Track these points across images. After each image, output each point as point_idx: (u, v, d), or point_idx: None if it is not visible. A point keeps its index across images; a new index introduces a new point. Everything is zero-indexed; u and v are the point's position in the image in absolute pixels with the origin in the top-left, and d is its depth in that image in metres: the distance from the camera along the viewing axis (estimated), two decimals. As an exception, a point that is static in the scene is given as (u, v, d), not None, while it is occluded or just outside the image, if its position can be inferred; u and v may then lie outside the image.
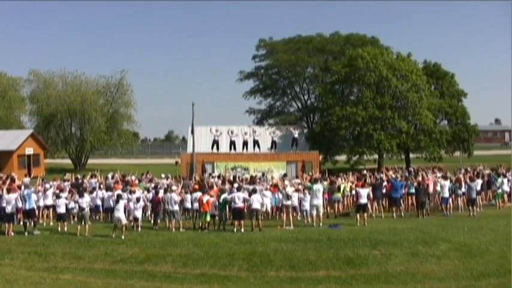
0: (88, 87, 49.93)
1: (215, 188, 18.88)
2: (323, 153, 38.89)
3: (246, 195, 17.08)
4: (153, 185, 20.60)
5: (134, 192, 17.71)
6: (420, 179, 20.94)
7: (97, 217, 19.22)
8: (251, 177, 23.86)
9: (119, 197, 16.08)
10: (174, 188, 18.37)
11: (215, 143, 34.12)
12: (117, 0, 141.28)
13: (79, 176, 24.34)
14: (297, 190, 18.72)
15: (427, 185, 20.29)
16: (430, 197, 20.46)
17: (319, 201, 17.56)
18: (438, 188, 20.57)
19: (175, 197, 17.19)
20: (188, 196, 17.68)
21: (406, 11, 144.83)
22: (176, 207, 16.99)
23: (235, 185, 18.09)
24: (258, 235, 15.16)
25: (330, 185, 20.55)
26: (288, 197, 17.60)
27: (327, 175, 23.66)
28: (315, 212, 17.47)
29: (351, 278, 11.48)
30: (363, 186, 18.69)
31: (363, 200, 17.72)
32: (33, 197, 16.60)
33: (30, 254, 13.38)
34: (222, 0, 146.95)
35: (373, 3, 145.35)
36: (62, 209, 16.78)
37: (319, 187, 17.85)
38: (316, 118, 48.07)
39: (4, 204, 15.96)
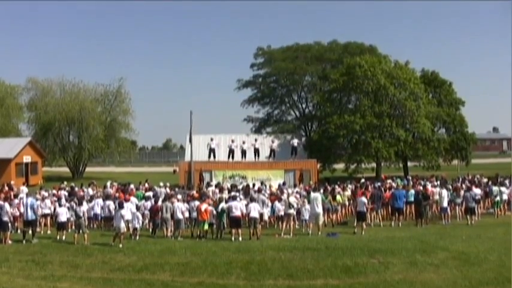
0: (86, 95, 49.83)
1: (211, 196, 18.94)
2: (321, 161, 38.88)
3: (242, 204, 17.16)
4: (151, 194, 20.60)
5: (128, 200, 17.66)
6: (421, 187, 21.08)
7: (94, 226, 19.20)
8: (247, 186, 23.88)
9: (120, 205, 16.04)
10: (179, 197, 18.41)
11: (211, 151, 34.14)
12: (116, 8, 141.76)
13: (73, 184, 24.36)
14: (296, 199, 18.80)
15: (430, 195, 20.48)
16: (428, 206, 20.52)
17: (318, 210, 17.58)
18: (437, 197, 20.62)
19: (182, 206, 17.21)
20: (186, 205, 17.71)
21: (404, 20, 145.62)
22: (181, 216, 17.02)
23: (232, 194, 18.15)
24: (256, 244, 15.16)
25: (323, 193, 20.59)
26: (291, 205, 17.65)
27: (326, 184, 23.68)
28: (314, 221, 17.50)
29: (349, 286, 11.46)
30: (362, 194, 18.79)
31: (361, 208, 17.80)
32: (36, 207, 16.63)
33: (27, 262, 13.34)
34: (220, 8, 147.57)
35: (371, 11, 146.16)
36: (63, 218, 16.72)
37: (316, 196, 17.88)
38: (314, 126, 48.02)
39: (1, 213, 15.94)
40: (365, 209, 17.96)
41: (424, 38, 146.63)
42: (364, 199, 18.14)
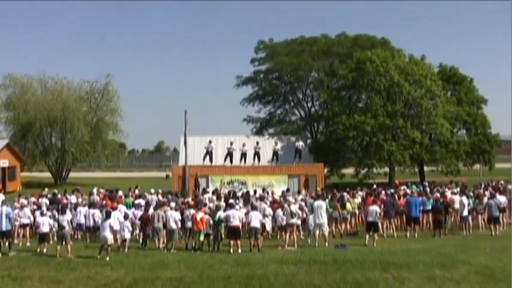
0: (70, 93, 49.85)
1: (208, 205, 18.91)
2: (328, 166, 38.89)
3: (242, 213, 17.12)
4: (142, 201, 20.55)
5: (116, 208, 17.67)
6: (438, 195, 21.01)
7: (78, 236, 19.15)
8: (247, 193, 23.84)
9: (107, 214, 15.98)
10: (172, 204, 18.38)
11: (208, 154, 34.08)
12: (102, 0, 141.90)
13: (56, 191, 24.31)
14: (300, 207, 18.75)
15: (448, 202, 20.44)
16: (448, 215, 20.47)
17: (322, 219, 17.52)
18: (457, 205, 20.54)
19: (176, 215, 17.17)
20: (179, 214, 17.68)
21: (419, 10, 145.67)
22: (175, 226, 16.98)
23: (230, 202, 18.11)
24: (257, 256, 15.11)
25: (330, 201, 20.52)
26: (293, 214, 17.59)
27: (334, 191, 23.64)
28: (318, 232, 17.43)
29: (360, 304, 11.41)
30: (373, 203, 18.74)
31: (372, 218, 17.72)
32: (12, 216, 16.58)
33: (3, 278, 13.25)
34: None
35: (382, 1, 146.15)
36: (45, 228, 16.63)
37: (321, 204, 17.80)
38: (320, 127, 48.12)
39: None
40: (377, 219, 17.90)
41: (442, 30, 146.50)
42: (375, 208, 18.08)
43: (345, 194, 22.85)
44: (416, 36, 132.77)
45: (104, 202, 21.04)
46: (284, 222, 18.20)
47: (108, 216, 15.74)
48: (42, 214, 17.34)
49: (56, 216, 17.41)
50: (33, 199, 21.85)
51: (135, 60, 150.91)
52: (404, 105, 38.19)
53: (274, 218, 19.04)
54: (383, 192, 23.73)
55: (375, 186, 27.93)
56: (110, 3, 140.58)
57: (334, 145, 37.97)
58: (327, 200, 20.30)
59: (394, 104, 37.66)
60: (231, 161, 34.04)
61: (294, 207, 17.96)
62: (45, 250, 16.28)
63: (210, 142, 34.50)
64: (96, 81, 50.67)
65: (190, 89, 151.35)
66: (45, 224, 16.66)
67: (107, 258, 14.82)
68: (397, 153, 36.41)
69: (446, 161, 38.75)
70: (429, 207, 20.37)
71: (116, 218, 16.45)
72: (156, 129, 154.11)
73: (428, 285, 12.30)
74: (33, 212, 19.10)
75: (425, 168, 42.79)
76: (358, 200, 22.11)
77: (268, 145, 37.30)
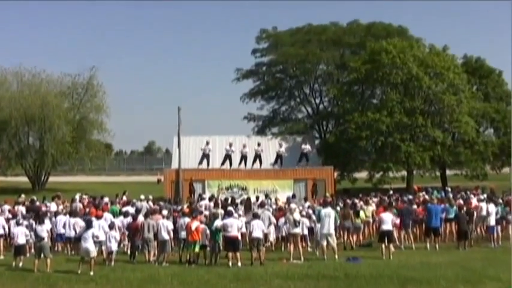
0: (49, 88, 49.79)
1: (204, 213, 18.92)
2: (339, 169, 38.90)
3: (241, 222, 17.10)
4: (130, 209, 20.54)
5: (100, 216, 17.66)
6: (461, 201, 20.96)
7: (59, 248, 19.14)
8: (247, 200, 23.84)
9: (89, 223, 15.95)
10: (164, 212, 18.39)
11: (205, 156, 34.01)
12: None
13: (34, 198, 24.29)
14: (307, 215, 18.72)
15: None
16: (473, 224, 20.39)
17: (330, 229, 17.50)
18: (483, 213, 20.49)
19: (168, 224, 17.17)
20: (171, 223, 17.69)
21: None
22: (167, 236, 16.98)
23: (228, 209, 18.09)
24: (259, 270, 15.10)
25: (343, 208, 20.50)
26: (296, 223, 17.55)
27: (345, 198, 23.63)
28: (325, 243, 17.40)
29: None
30: (385, 210, 18.73)
31: (386, 226, 17.65)
32: None
33: (-26, 295, 13.30)
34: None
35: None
36: (21, 240, 16.60)
37: (329, 212, 17.76)
38: (330, 126, 48.20)
39: None
40: (392, 227, 17.87)
41: (467, 18, 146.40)
42: (390, 215, 18.07)
43: (357, 200, 22.82)
44: (438, 24, 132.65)
45: (88, 210, 21.02)
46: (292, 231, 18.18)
47: (89, 225, 15.71)
48: (17, 224, 17.33)
49: (34, 225, 17.38)
50: (7, 207, 21.77)
51: (122, 53, 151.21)
52: (424, 101, 38.19)
53: (278, 228, 19.03)
54: (399, 198, 23.70)
55: (391, 192, 27.89)
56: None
57: (345, 146, 37.99)
58: (338, 208, 20.28)
59: (413, 100, 37.63)
60: (230, 164, 34.00)
61: (297, 215, 17.91)
62: (21, 264, 16.27)
63: (208, 143, 34.35)
64: (78, 75, 50.60)
65: (185, 83, 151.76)
66: (21, 234, 16.62)
67: (91, 273, 14.80)
68: (415, 155, 36.36)
69: (472, 163, 38.69)
70: (452, 215, 20.31)
71: (101, 228, 16.44)
72: (146, 128, 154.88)
73: (451, 303, 12.30)
74: (7, 221, 19.05)
75: (448, 172, 42.77)
76: (372, 207, 22.07)
77: (271, 146, 37.31)
